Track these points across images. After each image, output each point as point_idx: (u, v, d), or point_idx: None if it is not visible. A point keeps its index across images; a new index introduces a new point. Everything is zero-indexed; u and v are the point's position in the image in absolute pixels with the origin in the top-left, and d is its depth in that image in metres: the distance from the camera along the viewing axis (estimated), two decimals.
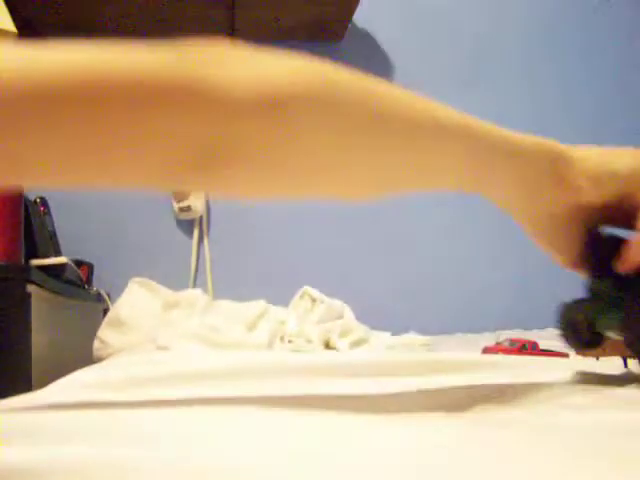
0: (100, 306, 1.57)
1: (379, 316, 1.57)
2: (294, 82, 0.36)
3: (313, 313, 1.34)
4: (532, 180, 0.47)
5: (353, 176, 0.42)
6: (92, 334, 1.26)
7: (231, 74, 0.35)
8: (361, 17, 2.04)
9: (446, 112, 0.43)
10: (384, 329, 1.54)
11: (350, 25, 2.00)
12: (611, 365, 0.61)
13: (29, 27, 1.80)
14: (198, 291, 1.38)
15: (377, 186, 0.44)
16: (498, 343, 0.98)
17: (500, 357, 0.88)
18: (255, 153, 0.37)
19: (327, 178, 0.42)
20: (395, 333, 1.57)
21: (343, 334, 1.28)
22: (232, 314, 1.29)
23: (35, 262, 1.13)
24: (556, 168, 0.47)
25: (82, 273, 1.49)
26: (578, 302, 0.51)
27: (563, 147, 0.48)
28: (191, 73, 0.35)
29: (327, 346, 1.25)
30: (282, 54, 0.39)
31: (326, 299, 1.38)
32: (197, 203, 1.90)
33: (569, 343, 0.51)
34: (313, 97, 0.37)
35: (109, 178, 0.38)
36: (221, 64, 0.36)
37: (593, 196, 0.47)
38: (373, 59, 2.10)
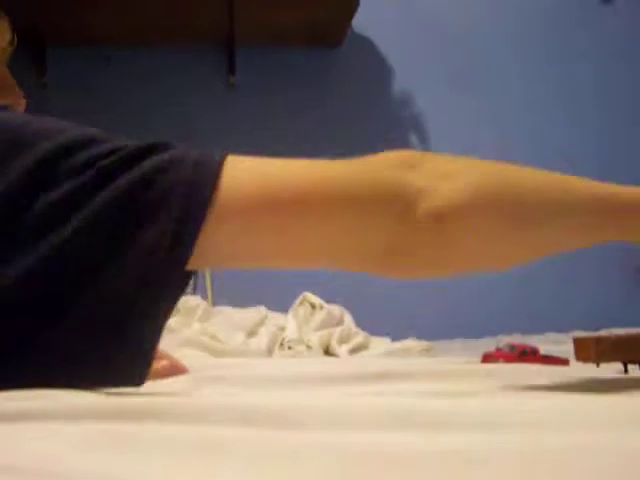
0: None
1: (379, 321, 1.56)
2: (458, 202, 0.48)
3: (313, 319, 1.34)
4: None
5: (509, 259, 0.54)
6: None
7: (416, 197, 0.48)
8: (360, 23, 2.04)
9: (583, 189, 0.53)
10: (384, 334, 1.53)
11: (349, 31, 2.00)
12: (611, 371, 0.61)
13: (32, 34, 1.80)
14: (197, 298, 1.38)
15: (530, 259, 0.55)
16: (498, 349, 0.97)
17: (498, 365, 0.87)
18: (425, 252, 0.50)
19: (485, 264, 0.56)
20: (395, 338, 1.56)
21: (343, 340, 1.28)
22: (231, 321, 1.29)
23: None
24: None
25: None
26: None
27: None
28: (395, 191, 0.48)
29: (327, 352, 1.24)
30: (466, 165, 0.51)
31: (326, 305, 1.38)
32: None
33: None
34: (471, 213, 0.49)
35: (309, 265, 0.53)
36: (413, 187, 0.48)
37: None
38: (372, 64, 2.10)
